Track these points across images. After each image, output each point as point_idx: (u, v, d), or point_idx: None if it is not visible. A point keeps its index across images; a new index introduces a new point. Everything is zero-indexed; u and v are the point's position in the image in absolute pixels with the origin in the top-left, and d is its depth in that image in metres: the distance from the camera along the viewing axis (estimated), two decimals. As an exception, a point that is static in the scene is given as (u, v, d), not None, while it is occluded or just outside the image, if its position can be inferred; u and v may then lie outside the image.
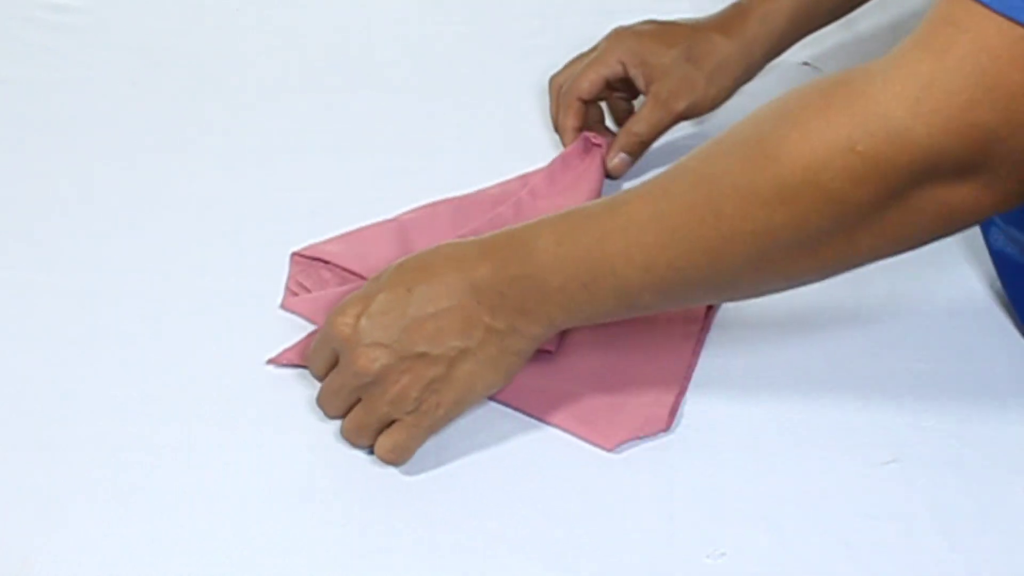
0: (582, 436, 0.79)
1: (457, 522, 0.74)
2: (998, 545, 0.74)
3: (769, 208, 0.67)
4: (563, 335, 0.83)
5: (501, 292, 0.74)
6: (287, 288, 0.87)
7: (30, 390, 0.80)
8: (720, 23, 0.97)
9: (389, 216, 0.92)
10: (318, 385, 0.78)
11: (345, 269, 0.87)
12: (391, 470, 0.76)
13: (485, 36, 1.13)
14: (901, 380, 0.83)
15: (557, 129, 1.01)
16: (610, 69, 0.97)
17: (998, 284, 0.89)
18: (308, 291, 0.87)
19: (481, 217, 0.91)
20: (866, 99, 0.64)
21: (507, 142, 1.02)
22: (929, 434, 0.79)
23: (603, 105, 1.02)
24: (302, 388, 0.80)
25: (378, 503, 0.75)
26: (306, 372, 0.80)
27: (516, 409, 0.80)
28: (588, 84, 0.97)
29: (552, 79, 1.02)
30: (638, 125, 0.96)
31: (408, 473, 0.76)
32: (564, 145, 0.99)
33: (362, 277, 0.86)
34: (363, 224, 0.91)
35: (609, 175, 0.96)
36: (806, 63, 1.09)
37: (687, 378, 0.82)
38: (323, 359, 0.78)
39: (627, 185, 0.98)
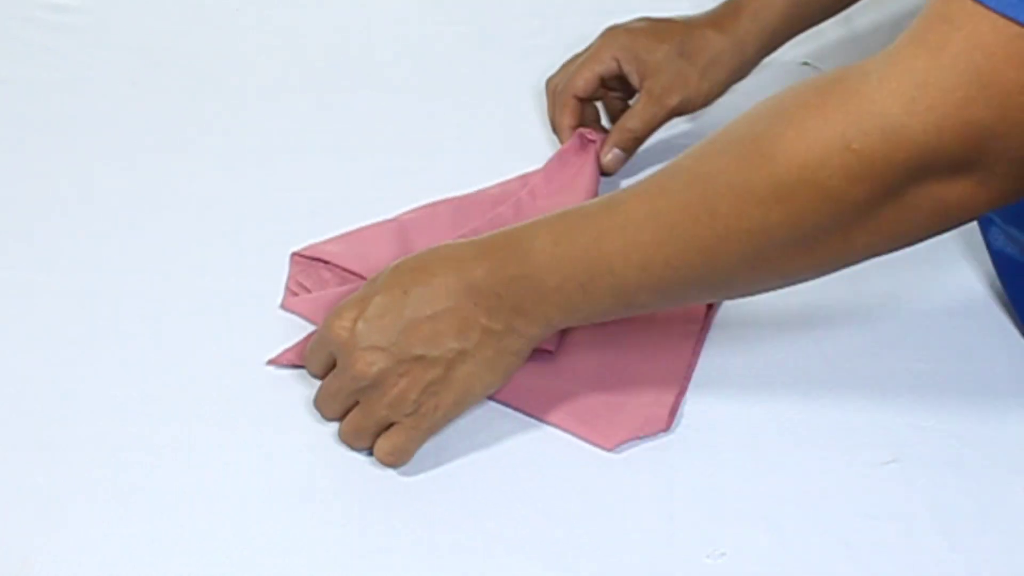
0: (582, 436, 0.79)
1: (456, 522, 0.74)
2: (998, 545, 0.74)
3: (765, 206, 0.67)
4: (563, 335, 0.83)
5: (498, 293, 0.74)
6: (287, 288, 0.87)
7: (30, 390, 0.80)
8: (713, 19, 0.97)
9: (389, 216, 0.92)
10: (317, 385, 0.78)
11: (345, 269, 0.87)
12: (391, 470, 0.76)
13: (485, 36, 1.14)
14: (901, 380, 0.83)
15: (554, 129, 1.01)
16: (604, 66, 0.97)
17: (998, 283, 0.89)
18: (308, 291, 0.87)
19: (481, 217, 0.91)
20: (861, 97, 0.64)
21: (507, 142, 1.02)
22: (929, 434, 0.79)
23: (599, 106, 1.02)
24: (302, 388, 0.80)
25: (377, 503, 0.75)
26: (306, 373, 0.80)
27: (515, 409, 0.80)
28: (582, 82, 0.97)
29: (548, 81, 1.02)
30: (631, 121, 0.96)
31: (407, 473, 0.76)
32: (561, 144, 0.99)
33: (362, 277, 0.86)
34: (363, 224, 0.91)
35: (603, 171, 0.96)
36: (806, 62, 1.09)
37: (687, 378, 0.82)
38: (320, 361, 0.78)
39: (623, 182, 0.98)
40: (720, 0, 0.98)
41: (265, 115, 1.03)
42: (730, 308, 0.86)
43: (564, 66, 1.02)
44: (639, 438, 0.78)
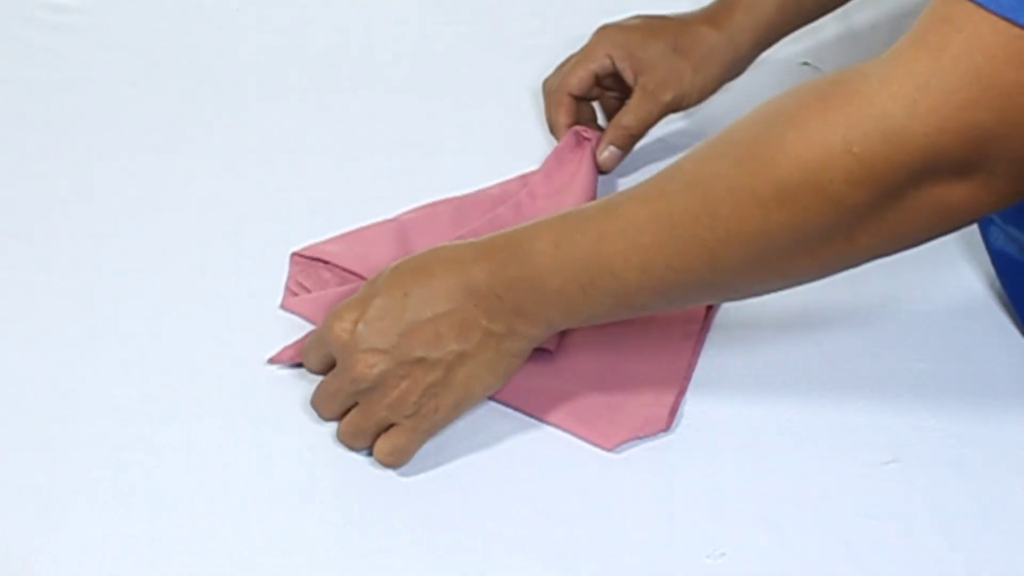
0: (582, 436, 0.79)
1: (456, 522, 0.74)
2: (998, 545, 0.74)
3: (766, 210, 0.67)
4: (563, 335, 0.83)
5: (498, 295, 0.74)
6: (287, 288, 0.87)
7: (30, 390, 0.80)
8: (707, 15, 0.97)
9: (389, 216, 0.92)
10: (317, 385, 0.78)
11: (345, 269, 0.87)
12: (390, 470, 0.76)
13: (485, 36, 1.13)
14: (901, 380, 0.83)
15: (551, 128, 1.01)
16: (598, 63, 0.97)
17: (998, 284, 0.89)
18: (308, 291, 0.87)
19: (481, 217, 0.91)
20: (862, 99, 0.64)
21: (507, 142, 1.02)
22: (929, 434, 0.79)
23: (597, 107, 1.02)
24: (302, 388, 0.80)
25: (377, 503, 0.75)
26: (306, 372, 0.80)
27: (516, 409, 0.80)
28: (576, 80, 0.98)
29: (544, 82, 1.02)
30: (626, 118, 0.96)
31: (407, 473, 0.76)
32: (558, 142, 0.99)
33: (362, 277, 0.86)
34: (363, 224, 0.91)
35: (600, 169, 0.96)
36: (806, 62, 1.09)
37: (687, 378, 0.82)
38: (319, 359, 0.78)
39: (620, 180, 0.98)
40: None
41: (265, 115, 1.03)
42: (730, 308, 0.86)
43: (559, 66, 1.02)
44: (639, 438, 0.78)
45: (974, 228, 0.89)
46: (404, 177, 0.97)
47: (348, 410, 0.77)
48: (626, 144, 0.96)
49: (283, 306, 0.86)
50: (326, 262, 0.88)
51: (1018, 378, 0.83)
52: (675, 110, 0.97)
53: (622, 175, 0.98)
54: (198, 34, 1.12)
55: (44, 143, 0.99)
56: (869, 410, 0.81)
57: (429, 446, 0.77)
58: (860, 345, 0.85)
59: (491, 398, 0.79)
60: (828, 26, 1.08)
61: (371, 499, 0.75)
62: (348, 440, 0.77)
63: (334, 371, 0.76)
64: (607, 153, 0.96)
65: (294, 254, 0.89)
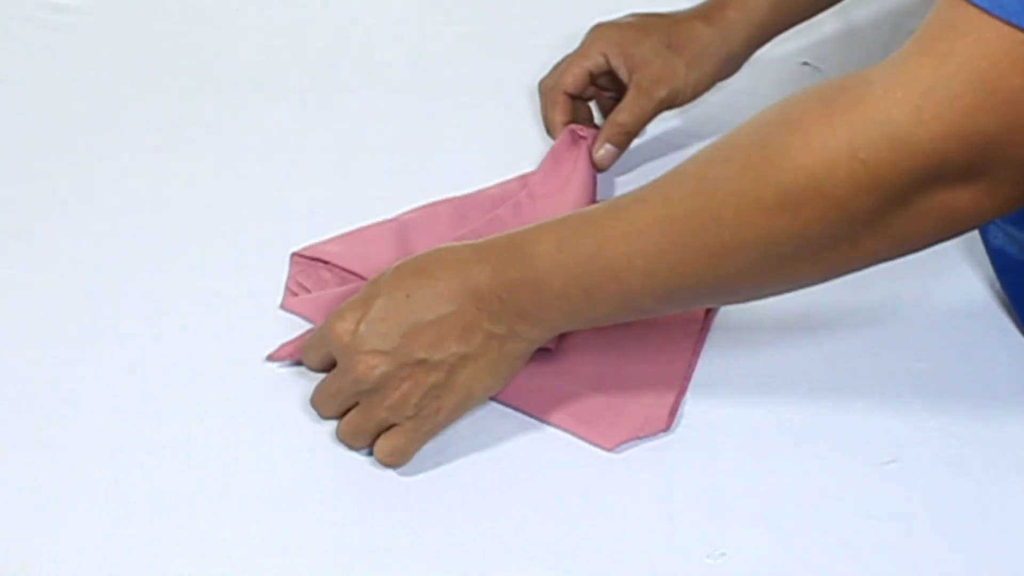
0: (582, 436, 0.79)
1: (456, 522, 0.74)
2: (998, 545, 0.74)
3: (771, 215, 0.67)
4: (563, 335, 0.82)
5: (500, 297, 0.74)
6: (287, 288, 0.87)
7: (30, 390, 0.80)
8: (700, 11, 0.97)
9: (389, 216, 0.92)
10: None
11: (345, 269, 0.87)
12: (391, 471, 0.76)
13: (485, 36, 1.13)
14: (901, 380, 0.83)
15: (547, 127, 1.01)
16: (592, 61, 0.97)
17: (997, 284, 0.89)
18: (308, 291, 0.87)
19: (480, 217, 0.91)
20: (867, 106, 0.64)
21: (507, 142, 1.02)
22: (929, 434, 0.79)
23: (593, 107, 1.02)
24: (302, 388, 0.80)
25: (377, 503, 0.75)
26: (306, 372, 0.80)
27: (516, 409, 0.80)
28: (571, 78, 0.98)
29: (540, 82, 1.02)
30: (621, 115, 0.96)
31: (407, 473, 0.76)
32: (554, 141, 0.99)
33: (362, 277, 0.86)
34: (363, 224, 0.91)
35: (596, 167, 0.96)
36: (806, 63, 1.09)
37: (687, 378, 0.82)
38: (318, 358, 0.78)
39: (617, 178, 0.98)
40: None
41: (265, 115, 1.03)
42: (730, 309, 0.86)
43: (555, 66, 1.02)
44: (639, 438, 0.78)
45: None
46: (404, 177, 0.97)
47: (348, 410, 0.77)
48: (622, 141, 0.96)
49: (283, 306, 0.86)
50: (326, 262, 0.88)
51: (1018, 378, 0.83)
52: (670, 107, 0.97)
53: (619, 173, 0.98)
54: (198, 34, 1.12)
55: (44, 143, 0.99)
56: (869, 410, 0.81)
57: (429, 446, 0.77)
58: (860, 345, 0.85)
59: (491, 398, 0.79)
60: (827, 23, 1.08)
61: (371, 499, 0.75)
62: (348, 440, 0.77)
63: (335, 371, 0.76)
64: (603, 151, 0.96)
65: (294, 254, 0.89)
